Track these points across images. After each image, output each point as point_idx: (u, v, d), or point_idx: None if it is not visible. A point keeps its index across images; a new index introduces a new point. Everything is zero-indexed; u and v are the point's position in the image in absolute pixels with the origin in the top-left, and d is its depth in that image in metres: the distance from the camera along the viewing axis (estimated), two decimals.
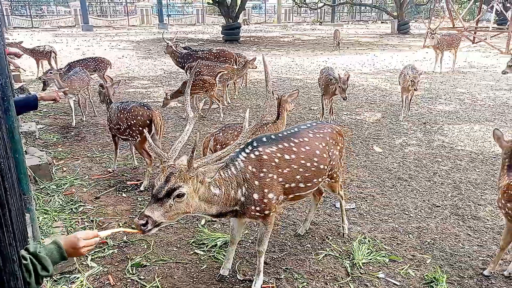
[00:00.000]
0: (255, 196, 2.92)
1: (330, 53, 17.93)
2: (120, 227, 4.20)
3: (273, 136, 3.19)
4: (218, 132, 4.70)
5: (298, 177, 3.14)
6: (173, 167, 2.56)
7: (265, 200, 2.95)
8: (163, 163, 2.63)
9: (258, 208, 2.95)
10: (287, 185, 3.09)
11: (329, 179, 3.62)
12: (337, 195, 3.95)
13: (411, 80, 7.39)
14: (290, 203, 4.38)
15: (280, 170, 3.03)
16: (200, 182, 2.63)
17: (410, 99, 8.12)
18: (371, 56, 16.99)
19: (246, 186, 2.89)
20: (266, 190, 2.95)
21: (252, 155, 2.98)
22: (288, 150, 3.13)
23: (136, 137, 5.02)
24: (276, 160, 3.03)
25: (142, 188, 5.01)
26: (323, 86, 7.27)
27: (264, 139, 3.13)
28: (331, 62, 14.90)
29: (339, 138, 3.59)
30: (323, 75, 7.39)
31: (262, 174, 2.95)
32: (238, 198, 2.89)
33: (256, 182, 2.92)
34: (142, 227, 2.41)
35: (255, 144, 3.07)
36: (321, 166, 3.30)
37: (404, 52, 18.37)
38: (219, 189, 2.79)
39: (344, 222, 4.07)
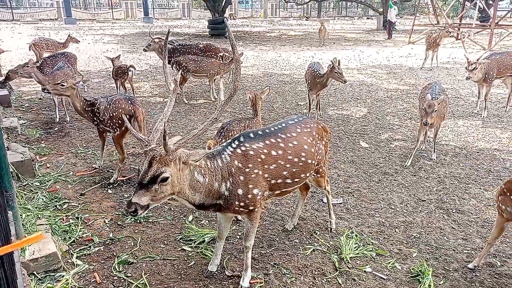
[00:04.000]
0: (240, 191, 2.90)
1: (317, 48, 17.98)
2: (106, 223, 4.14)
3: (260, 132, 3.17)
4: (227, 125, 4.68)
5: (285, 173, 3.14)
6: (154, 150, 2.61)
7: (250, 196, 2.93)
8: (144, 147, 2.67)
9: (242, 204, 2.94)
10: (273, 181, 3.08)
11: (315, 174, 3.64)
12: (323, 190, 3.97)
13: (423, 109, 5.33)
14: (277, 198, 4.38)
15: (266, 166, 3.02)
16: (183, 163, 2.66)
17: (436, 133, 6.11)
18: (357, 52, 17.09)
19: (231, 181, 2.88)
20: (250, 186, 2.93)
21: (238, 150, 2.97)
22: (275, 146, 3.12)
23: (115, 129, 4.97)
24: (263, 156, 3.02)
25: (111, 181, 5.04)
26: (309, 81, 7.27)
27: (251, 134, 3.12)
28: (317, 58, 14.93)
29: (324, 133, 3.60)
30: (309, 70, 7.38)
31: (247, 170, 2.93)
32: (222, 192, 2.88)
33: (241, 178, 2.91)
34: (132, 213, 2.54)
35: (242, 139, 3.05)
36: (309, 161, 3.31)
37: (389, 48, 18.54)
38: (203, 177, 2.79)
39: (332, 217, 4.10)
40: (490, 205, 4.63)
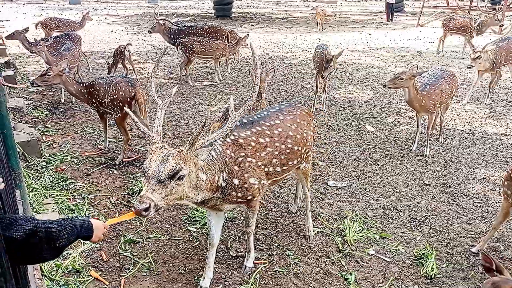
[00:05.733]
0: (235, 181, 2.81)
1: (323, 31, 17.70)
2: (112, 203, 4.18)
3: (245, 120, 3.08)
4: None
5: (274, 160, 3.06)
6: (165, 148, 2.41)
7: (246, 185, 2.85)
8: (152, 143, 2.47)
9: (240, 194, 2.85)
10: (266, 169, 3.00)
11: (305, 164, 3.50)
12: (305, 187, 3.71)
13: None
14: (269, 187, 4.33)
15: (258, 154, 2.94)
16: (194, 164, 2.46)
17: (432, 122, 5.60)
18: (365, 34, 16.82)
19: (227, 171, 2.79)
20: (246, 175, 2.85)
21: (228, 139, 2.86)
22: (262, 133, 3.04)
23: (116, 112, 4.95)
24: (253, 144, 2.94)
25: (117, 162, 5.06)
26: (318, 64, 7.18)
27: (237, 122, 2.95)
28: (324, 40, 14.73)
29: (309, 118, 3.50)
30: (317, 53, 7.28)
31: (240, 159, 2.85)
32: (219, 184, 2.76)
33: (236, 167, 2.81)
34: (144, 212, 2.18)
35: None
36: (295, 148, 3.22)
37: (398, 31, 18.22)
38: (205, 174, 2.62)
39: (309, 223, 3.75)
40: (495, 190, 4.62)
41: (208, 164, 2.68)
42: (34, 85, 5.09)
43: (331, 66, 6.54)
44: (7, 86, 6.63)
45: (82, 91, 5.10)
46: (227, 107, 4.79)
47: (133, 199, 4.26)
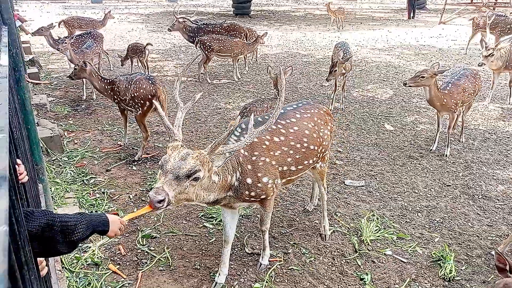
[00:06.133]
0: (249, 180, 2.79)
1: (342, 29, 17.52)
2: (130, 198, 4.26)
3: (260, 119, 3.05)
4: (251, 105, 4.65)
5: (289, 159, 3.03)
6: (185, 147, 2.43)
7: (259, 185, 2.83)
8: (173, 140, 2.49)
9: (253, 194, 2.83)
10: (280, 169, 2.98)
11: (321, 163, 3.46)
12: (321, 186, 3.70)
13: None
14: (283, 186, 4.32)
15: (272, 153, 2.91)
16: (208, 169, 2.45)
17: (453, 121, 5.45)
18: (385, 32, 16.57)
19: (240, 170, 2.77)
20: (260, 174, 2.83)
21: (242, 138, 2.82)
22: (277, 132, 3.01)
23: (137, 109, 5.04)
24: (267, 143, 2.91)
25: (136, 158, 5.14)
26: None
27: (252, 121, 2.83)
28: (343, 38, 14.57)
29: (328, 118, 3.44)
30: (337, 50, 7.21)
31: (254, 158, 2.82)
32: (232, 183, 2.75)
33: (249, 166, 2.80)
34: (158, 204, 2.18)
35: (243, 126, 2.92)
36: (311, 147, 3.17)
37: (419, 28, 17.87)
38: (218, 176, 2.61)
39: (325, 221, 3.75)
40: None
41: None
42: (70, 79, 5.62)
43: (335, 70, 6.48)
44: (31, 83, 6.85)
45: (106, 87, 5.27)
46: (245, 104, 4.81)
47: None
